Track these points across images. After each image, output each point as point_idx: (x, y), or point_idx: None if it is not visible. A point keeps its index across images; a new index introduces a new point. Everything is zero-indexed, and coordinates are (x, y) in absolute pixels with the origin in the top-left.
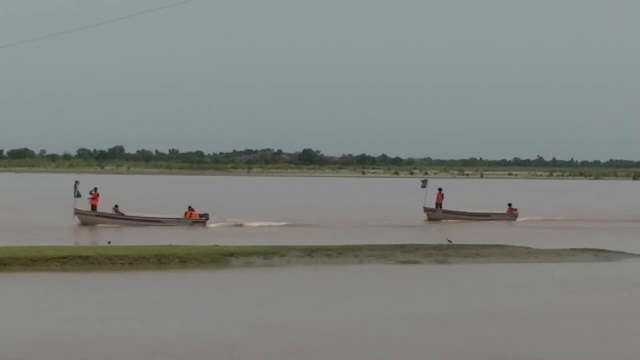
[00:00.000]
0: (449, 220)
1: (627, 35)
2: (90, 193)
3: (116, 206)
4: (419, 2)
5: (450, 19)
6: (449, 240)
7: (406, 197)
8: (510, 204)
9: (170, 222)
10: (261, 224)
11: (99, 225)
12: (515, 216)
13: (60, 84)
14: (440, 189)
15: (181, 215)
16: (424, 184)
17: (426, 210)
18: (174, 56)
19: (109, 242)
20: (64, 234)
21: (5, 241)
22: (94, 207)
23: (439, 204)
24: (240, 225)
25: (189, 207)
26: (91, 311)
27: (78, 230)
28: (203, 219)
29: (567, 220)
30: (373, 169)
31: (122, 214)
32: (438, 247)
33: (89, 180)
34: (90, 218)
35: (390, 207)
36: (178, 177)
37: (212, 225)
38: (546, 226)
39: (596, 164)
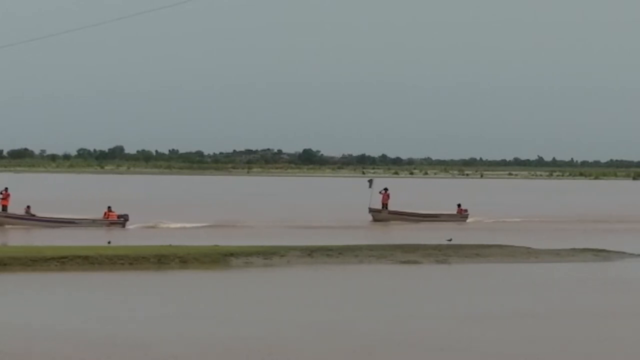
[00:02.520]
0: (395, 222)
1: (627, 35)
2: (1, 193)
3: (28, 207)
4: (419, 2)
5: (450, 19)
6: (448, 240)
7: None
8: (459, 205)
9: (85, 223)
10: (181, 225)
11: (7, 226)
12: (465, 217)
13: (60, 84)
14: (386, 189)
15: (100, 216)
16: (370, 183)
17: (371, 210)
18: (174, 56)
19: (109, 242)
20: None
21: None
22: (4, 208)
23: (385, 205)
24: (155, 226)
25: (108, 207)
26: (92, 311)
27: None
28: (121, 220)
29: (520, 222)
30: (373, 169)
31: (34, 215)
32: (438, 247)
33: (89, 179)
34: None
35: (341, 208)
36: (177, 177)
37: (131, 227)
38: (496, 227)
39: (596, 164)
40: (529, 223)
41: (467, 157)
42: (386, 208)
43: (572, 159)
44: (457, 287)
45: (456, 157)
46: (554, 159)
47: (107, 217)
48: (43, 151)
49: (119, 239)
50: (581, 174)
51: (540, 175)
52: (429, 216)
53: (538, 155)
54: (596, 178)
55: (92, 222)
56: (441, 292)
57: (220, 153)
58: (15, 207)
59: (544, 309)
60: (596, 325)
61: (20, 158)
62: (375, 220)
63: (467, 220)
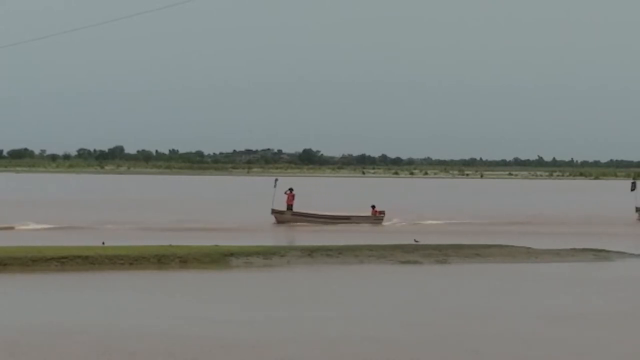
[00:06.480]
0: (300, 224)
1: (628, 35)
2: None
3: None
4: (419, 1)
5: (451, 19)
6: (415, 240)
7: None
8: (373, 206)
9: None
10: (40, 226)
11: None
12: (381, 219)
13: (60, 83)
14: (291, 189)
15: None
16: (275, 183)
17: (274, 212)
18: (175, 56)
19: (103, 243)
20: None
21: None
22: None
23: (289, 206)
24: (13, 228)
25: None
26: (94, 311)
27: None
28: None
29: (437, 224)
30: (373, 169)
31: None
32: (438, 247)
33: (89, 179)
34: None
35: (253, 209)
36: (177, 177)
37: None
38: (409, 230)
39: (596, 164)
40: (448, 225)
41: (467, 157)
42: (291, 209)
43: (572, 159)
44: (458, 288)
45: (456, 157)
46: (554, 159)
47: None
48: (43, 151)
49: None
50: (581, 174)
51: (540, 175)
52: (339, 218)
53: (538, 155)
54: (596, 178)
55: None
56: (440, 292)
57: (220, 153)
58: None
59: (547, 311)
60: (599, 326)
61: (20, 158)
62: (278, 222)
63: (384, 223)
